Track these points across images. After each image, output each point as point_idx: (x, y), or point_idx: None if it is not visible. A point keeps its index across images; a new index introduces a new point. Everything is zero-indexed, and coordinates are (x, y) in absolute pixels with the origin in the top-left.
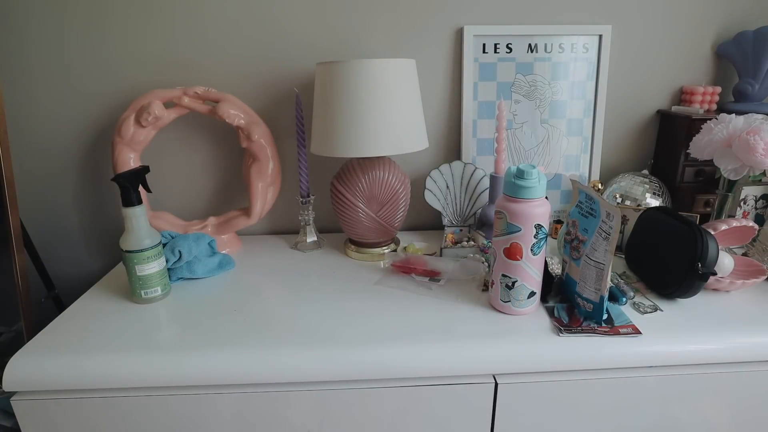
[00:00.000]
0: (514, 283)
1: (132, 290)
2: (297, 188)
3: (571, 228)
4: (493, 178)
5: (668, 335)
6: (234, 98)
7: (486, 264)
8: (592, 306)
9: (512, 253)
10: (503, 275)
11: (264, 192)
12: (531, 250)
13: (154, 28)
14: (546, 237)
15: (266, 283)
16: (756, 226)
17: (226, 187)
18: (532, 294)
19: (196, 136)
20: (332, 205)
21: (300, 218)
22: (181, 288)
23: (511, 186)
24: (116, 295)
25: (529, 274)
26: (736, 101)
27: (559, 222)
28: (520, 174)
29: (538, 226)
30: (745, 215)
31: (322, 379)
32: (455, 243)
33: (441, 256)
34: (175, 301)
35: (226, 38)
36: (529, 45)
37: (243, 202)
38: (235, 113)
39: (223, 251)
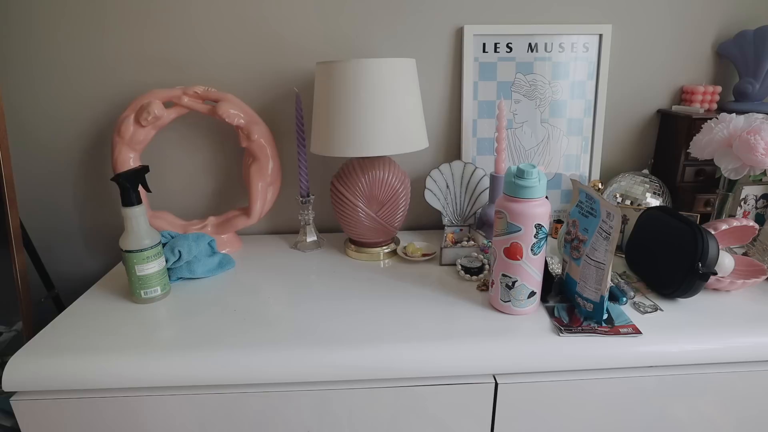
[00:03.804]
0: (514, 282)
1: (132, 290)
2: (297, 188)
3: (572, 228)
4: (493, 178)
5: (668, 335)
6: (234, 98)
7: (487, 264)
8: (592, 306)
9: (512, 252)
10: (503, 275)
11: (264, 192)
12: (531, 249)
13: (153, 27)
14: (546, 237)
15: (266, 282)
16: (756, 226)
17: (226, 186)
18: (532, 294)
19: (196, 135)
20: (332, 205)
21: (300, 218)
22: (180, 288)
23: (511, 186)
24: (116, 295)
25: (529, 273)
26: (736, 101)
27: (559, 222)
28: (520, 174)
29: (539, 226)
30: (745, 215)
31: (322, 379)
32: (455, 243)
33: (441, 255)
34: (175, 300)
35: (226, 38)
36: (529, 44)
37: (243, 202)
38: (235, 113)
39: (223, 251)
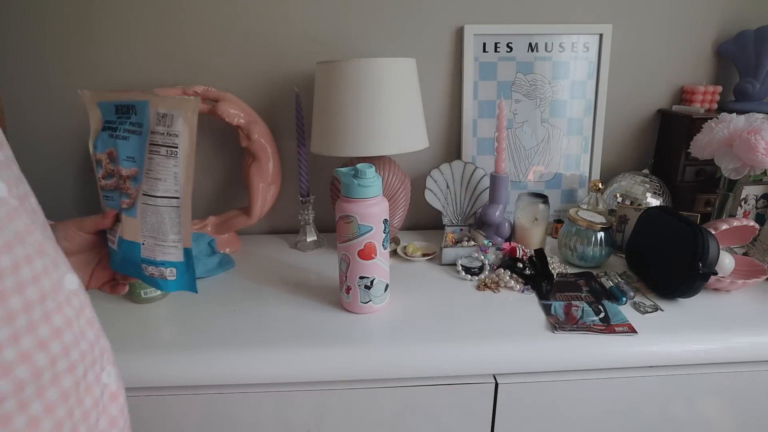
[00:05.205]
0: (372, 281)
1: (131, 290)
2: (297, 188)
3: (108, 164)
4: (494, 178)
5: (669, 335)
6: (234, 97)
7: (487, 263)
8: (175, 270)
9: (367, 253)
10: (361, 277)
11: (264, 191)
12: (382, 245)
13: (153, 27)
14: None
15: (266, 282)
16: (757, 226)
17: (226, 186)
18: (387, 287)
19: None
20: (332, 205)
21: (300, 218)
22: None
23: (352, 188)
24: (116, 295)
25: (383, 268)
26: (736, 100)
27: (559, 221)
28: (361, 174)
29: (385, 221)
30: (746, 215)
31: (322, 379)
32: (455, 242)
33: (441, 255)
34: (175, 300)
35: (226, 37)
36: (530, 44)
37: (243, 202)
38: (235, 112)
39: (223, 251)
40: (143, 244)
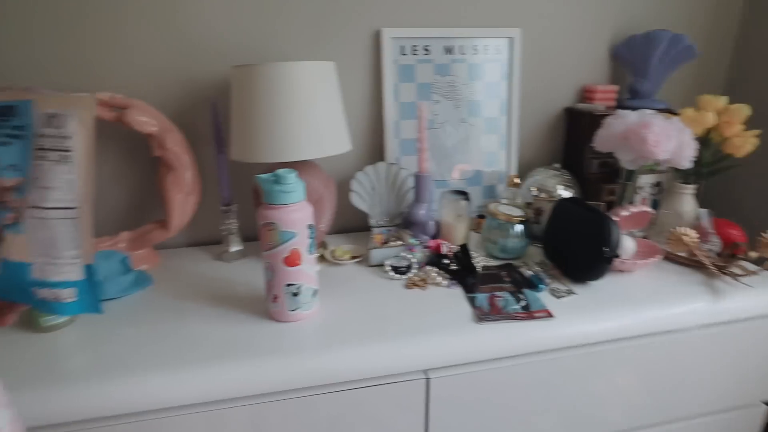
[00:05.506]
0: (299, 288)
1: (30, 318)
2: (218, 197)
3: None
4: (417, 177)
5: (582, 316)
6: (143, 104)
7: (416, 262)
8: (74, 291)
9: (293, 260)
10: (287, 285)
11: (182, 202)
12: (308, 251)
13: (53, 28)
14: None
15: (189, 297)
16: (652, 211)
17: (140, 199)
18: (315, 292)
19: (102, 145)
20: (256, 212)
21: (222, 228)
22: None
23: (274, 195)
24: (11, 325)
25: (310, 274)
26: (632, 98)
27: (482, 216)
28: (282, 180)
29: (310, 226)
30: (643, 201)
31: (255, 393)
32: (383, 243)
33: (369, 257)
34: (85, 325)
35: (134, 40)
36: (446, 47)
37: (159, 214)
38: (146, 120)
39: (139, 267)
40: (33, 264)
